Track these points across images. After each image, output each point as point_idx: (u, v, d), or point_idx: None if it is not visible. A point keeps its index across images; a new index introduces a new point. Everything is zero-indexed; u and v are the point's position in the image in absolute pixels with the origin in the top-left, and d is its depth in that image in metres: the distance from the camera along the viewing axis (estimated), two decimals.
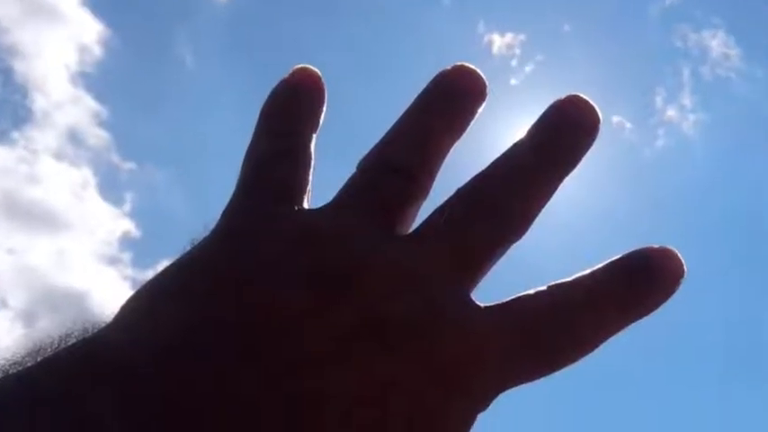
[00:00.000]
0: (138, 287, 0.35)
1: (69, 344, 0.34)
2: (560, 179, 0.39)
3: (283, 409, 0.31)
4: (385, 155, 0.40)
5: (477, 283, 0.36)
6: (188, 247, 0.37)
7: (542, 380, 0.35)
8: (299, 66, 0.43)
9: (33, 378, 0.32)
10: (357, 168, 0.39)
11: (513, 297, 0.35)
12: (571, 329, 0.35)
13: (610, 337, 0.36)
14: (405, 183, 0.39)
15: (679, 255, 0.36)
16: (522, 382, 0.34)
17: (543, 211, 0.38)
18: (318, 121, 0.42)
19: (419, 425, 0.32)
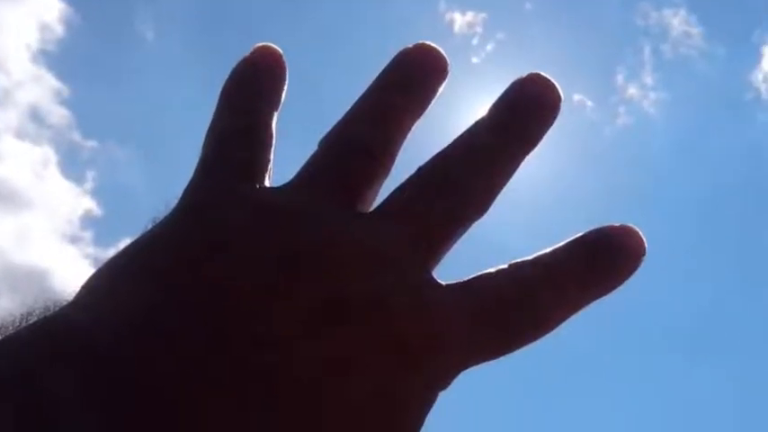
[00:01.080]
0: (99, 265, 0.35)
1: (30, 322, 0.34)
2: (522, 157, 0.39)
3: (249, 386, 0.31)
4: (346, 133, 0.40)
5: (439, 261, 0.36)
6: (150, 226, 0.36)
7: (503, 359, 0.35)
8: (260, 44, 0.42)
9: None
10: (318, 146, 0.39)
11: (474, 275, 0.35)
12: (532, 308, 0.35)
13: (570, 315, 0.36)
14: (366, 161, 0.39)
15: (640, 233, 0.37)
16: (482, 361, 0.35)
17: (504, 189, 0.38)
18: (280, 99, 0.42)
19: (381, 402, 0.32)
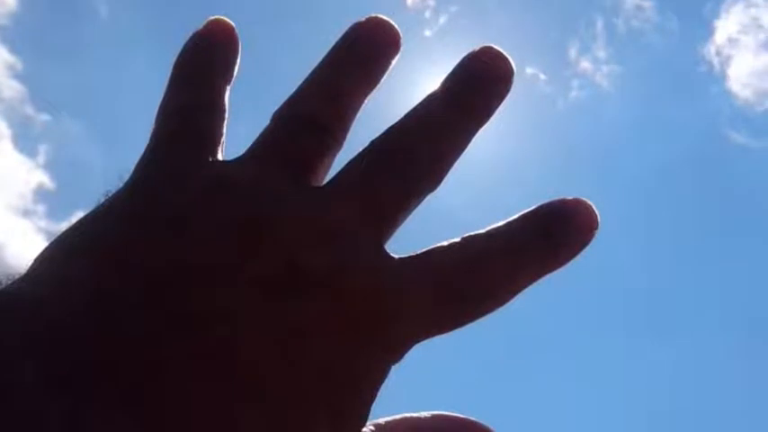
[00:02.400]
0: (52, 239, 0.35)
1: None
2: (474, 130, 0.39)
3: (206, 361, 0.30)
4: (299, 106, 0.40)
5: (392, 234, 0.36)
6: (103, 199, 0.36)
7: (456, 331, 0.35)
8: (213, 17, 0.42)
9: None
10: (271, 120, 0.39)
11: (427, 249, 0.36)
12: (485, 281, 0.35)
13: (523, 289, 0.36)
14: (318, 134, 0.39)
15: (593, 206, 0.37)
16: (435, 334, 0.35)
17: (457, 162, 0.38)
18: (232, 73, 0.42)
19: (331, 376, 0.32)
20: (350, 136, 0.40)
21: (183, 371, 0.30)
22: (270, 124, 0.39)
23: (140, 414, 0.29)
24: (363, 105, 0.41)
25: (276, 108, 0.40)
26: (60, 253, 0.34)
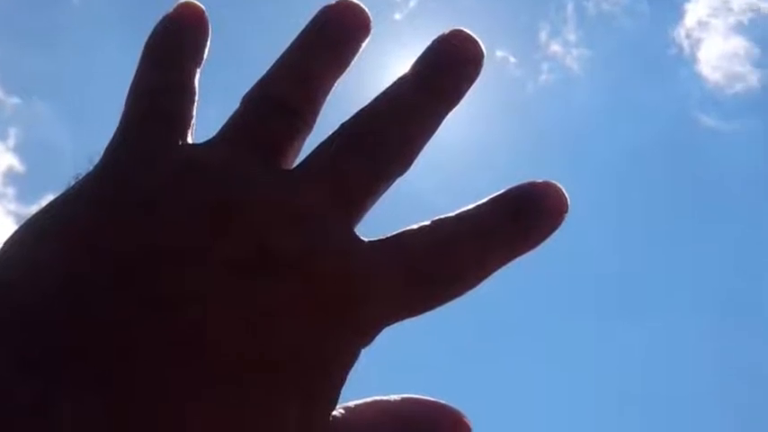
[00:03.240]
0: (21, 222, 0.35)
1: None
2: (444, 113, 0.39)
3: (176, 346, 0.30)
4: (269, 89, 0.40)
5: (361, 217, 0.36)
6: (73, 182, 0.36)
7: (425, 315, 0.35)
8: (183, 0, 0.42)
9: None
10: (241, 103, 0.39)
11: (396, 232, 0.36)
12: (454, 264, 0.35)
13: (493, 272, 0.36)
14: (288, 117, 0.39)
15: (562, 189, 0.37)
16: (405, 317, 0.35)
17: (428, 145, 0.38)
18: (203, 56, 0.42)
19: (301, 359, 0.32)
20: (320, 119, 0.40)
21: (153, 353, 0.30)
22: (240, 107, 0.39)
23: (110, 395, 0.29)
24: (333, 88, 0.41)
25: (246, 91, 0.40)
26: (30, 236, 0.34)
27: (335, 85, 0.41)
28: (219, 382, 0.30)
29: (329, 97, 0.40)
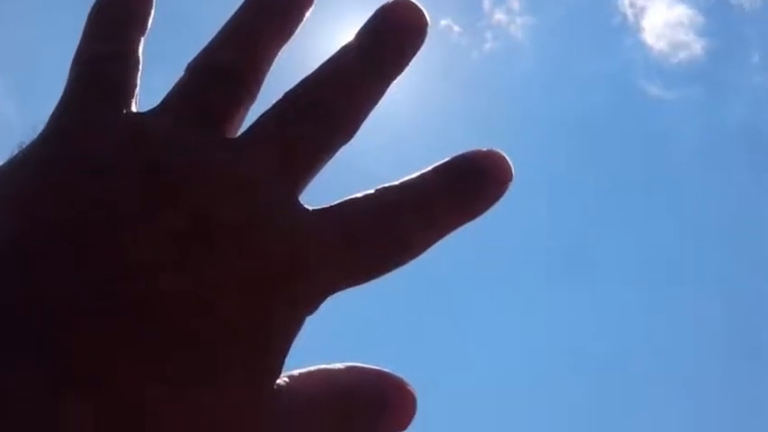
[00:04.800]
0: None
1: None
2: (388, 82, 0.39)
3: (118, 318, 0.30)
4: (213, 57, 0.39)
5: (305, 186, 0.36)
6: (16, 151, 0.36)
7: (370, 283, 0.35)
8: None
9: None
10: (185, 71, 0.39)
11: (340, 200, 0.36)
12: (397, 233, 0.35)
13: (436, 240, 0.36)
14: (233, 85, 0.38)
15: (506, 158, 0.37)
16: (349, 286, 0.35)
17: (372, 114, 0.38)
18: (146, 24, 0.41)
19: (245, 329, 0.32)
20: (263, 89, 0.40)
21: (92, 324, 0.30)
22: (184, 75, 0.39)
23: (49, 364, 0.29)
24: (277, 57, 0.41)
25: (191, 59, 0.40)
26: None
27: (280, 53, 0.41)
28: (164, 353, 0.30)
29: (273, 66, 0.40)
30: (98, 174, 0.34)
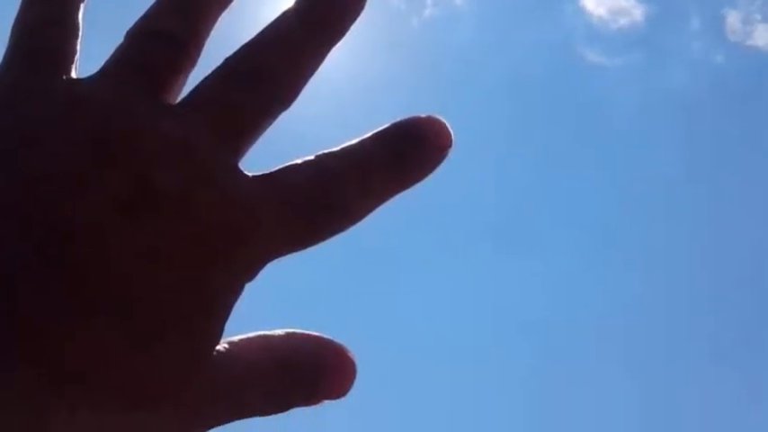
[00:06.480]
0: None
1: None
2: (327, 48, 0.39)
3: (62, 282, 0.30)
4: (153, 23, 0.39)
5: (245, 152, 0.36)
6: None
7: (311, 249, 0.36)
8: None
9: None
10: (125, 37, 0.39)
11: (280, 167, 0.36)
12: (336, 199, 0.36)
13: (376, 206, 0.36)
14: (173, 51, 0.38)
15: (446, 124, 0.37)
16: (288, 252, 0.35)
17: (312, 80, 0.38)
18: None
19: (186, 295, 0.32)
20: (203, 54, 0.39)
21: (36, 289, 0.30)
22: (124, 41, 0.39)
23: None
24: (217, 23, 0.40)
25: (130, 25, 0.39)
26: None
27: (219, 19, 0.40)
28: (103, 319, 0.30)
29: (212, 32, 0.40)
30: (38, 140, 0.33)
